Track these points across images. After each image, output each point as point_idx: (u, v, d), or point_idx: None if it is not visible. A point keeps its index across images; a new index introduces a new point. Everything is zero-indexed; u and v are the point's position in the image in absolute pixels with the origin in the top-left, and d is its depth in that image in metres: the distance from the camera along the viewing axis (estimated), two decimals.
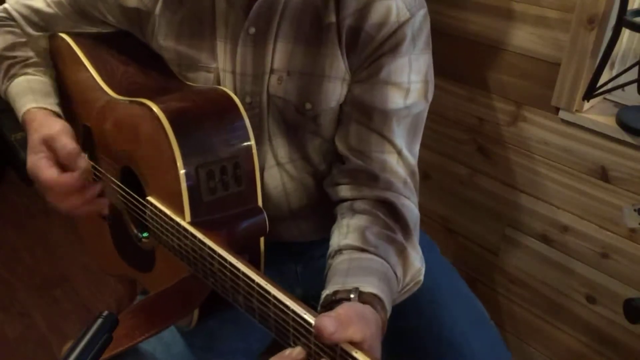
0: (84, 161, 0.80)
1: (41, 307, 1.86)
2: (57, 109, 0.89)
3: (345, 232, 0.77)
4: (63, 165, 0.80)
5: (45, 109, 0.87)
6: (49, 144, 0.80)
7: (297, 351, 0.55)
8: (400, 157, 0.81)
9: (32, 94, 0.89)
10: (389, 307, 0.67)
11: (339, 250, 0.75)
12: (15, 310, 1.84)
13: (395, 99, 0.79)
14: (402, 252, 0.76)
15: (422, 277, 0.78)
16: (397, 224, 0.78)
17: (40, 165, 0.80)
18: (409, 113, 0.81)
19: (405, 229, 0.78)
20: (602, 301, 1.33)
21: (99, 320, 0.64)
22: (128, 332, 0.73)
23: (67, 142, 0.80)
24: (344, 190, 0.83)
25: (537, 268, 1.43)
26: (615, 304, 1.30)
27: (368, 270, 0.69)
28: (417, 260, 0.77)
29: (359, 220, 0.78)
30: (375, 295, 0.65)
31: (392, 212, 0.78)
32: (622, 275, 1.27)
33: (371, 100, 0.80)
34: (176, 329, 0.87)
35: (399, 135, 0.81)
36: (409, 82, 0.80)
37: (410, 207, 0.81)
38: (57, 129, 0.81)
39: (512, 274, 1.49)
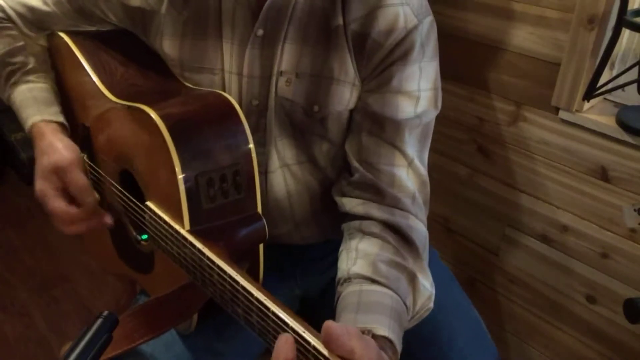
0: (91, 198, 0.82)
1: (41, 307, 1.86)
2: (61, 118, 0.91)
3: (354, 257, 0.76)
4: (71, 197, 0.83)
5: (50, 121, 0.88)
6: (59, 173, 0.82)
7: (285, 339, 0.53)
8: (410, 168, 0.81)
9: (35, 104, 0.90)
10: (399, 347, 0.67)
11: (348, 279, 0.74)
12: (15, 310, 1.84)
13: (406, 108, 0.79)
14: (412, 280, 0.75)
15: (432, 304, 0.78)
16: (406, 249, 0.77)
17: (49, 195, 0.82)
18: (420, 122, 0.81)
19: (415, 254, 0.77)
20: (602, 301, 1.33)
21: (99, 320, 0.64)
22: (127, 335, 0.73)
23: (77, 177, 0.82)
24: (352, 204, 0.82)
25: (537, 268, 1.43)
26: (615, 304, 1.30)
27: (379, 307, 0.69)
28: (427, 288, 0.77)
29: (368, 246, 0.77)
30: (387, 339, 0.65)
31: (401, 236, 0.78)
32: (622, 275, 1.27)
33: (382, 110, 0.79)
34: (176, 330, 0.87)
35: (411, 144, 0.80)
36: (419, 90, 0.79)
37: (419, 228, 0.80)
38: (69, 159, 0.83)
39: (512, 274, 1.49)
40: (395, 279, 0.73)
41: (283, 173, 0.86)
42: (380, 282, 0.72)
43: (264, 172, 0.85)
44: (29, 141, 0.90)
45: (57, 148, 0.84)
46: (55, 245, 2.09)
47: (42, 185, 0.83)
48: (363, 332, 0.61)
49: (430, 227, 0.85)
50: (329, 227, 0.91)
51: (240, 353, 0.91)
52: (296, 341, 0.54)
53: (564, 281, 1.38)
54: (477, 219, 1.53)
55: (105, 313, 0.65)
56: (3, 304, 1.86)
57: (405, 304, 0.72)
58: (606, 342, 1.35)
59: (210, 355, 0.87)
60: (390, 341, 0.65)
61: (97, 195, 0.83)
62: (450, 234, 1.61)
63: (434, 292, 0.78)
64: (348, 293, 0.72)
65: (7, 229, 2.18)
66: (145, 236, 0.85)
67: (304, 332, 0.53)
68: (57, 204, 0.81)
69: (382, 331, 0.65)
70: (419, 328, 0.87)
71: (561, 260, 1.37)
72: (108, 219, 0.85)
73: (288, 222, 0.91)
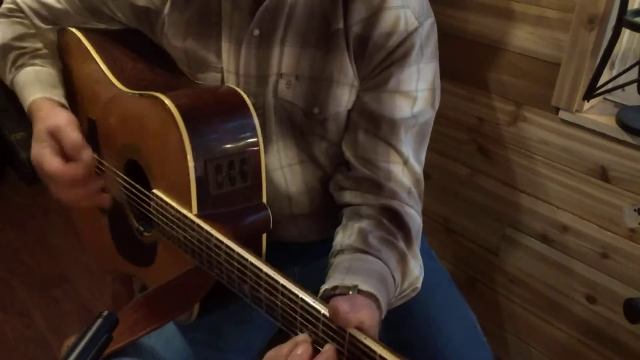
0: (88, 153, 0.80)
1: (41, 307, 1.86)
2: (63, 100, 0.90)
3: (349, 233, 0.78)
4: (68, 157, 0.81)
5: (51, 99, 0.88)
6: (54, 134, 0.81)
7: (303, 337, 0.56)
8: (405, 166, 0.82)
9: (39, 84, 0.90)
10: (384, 308, 0.68)
11: (341, 250, 0.76)
12: (15, 310, 1.84)
13: (403, 108, 0.80)
14: (402, 259, 0.76)
15: (419, 285, 0.79)
16: (399, 231, 0.78)
17: (45, 155, 0.80)
18: (416, 122, 0.82)
19: (408, 237, 0.79)
20: (602, 301, 1.33)
21: (99, 320, 0.64)
22: (130, 327, 0.73)
23: (72, 133, 0.80)
24: (349, 196, 0.83)
25: (537, 268, 1.43)
26: (615, 304, 1.30)
27: (368, 271, 0.70)
28: (416, 268, 0.78)
29: (363, 224, 0.79)
30: (372, 294, 0.66)
31: (395, 219, 0.79)
32: (622, 275, 1.27)
33: (379, 109, 0.80)
34: (176, 325, 0.87)
35: (407, 144, 0.81)
36: (417, 91, 0.80)
37: (414, 216, 0.81)
38: (63, 119, 0.82)
39: (512, 274, 1.49)
40: (385, 253, 0.75)
41: (283, 173, 0.87)
42: (371, 253, 0.74)
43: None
44: (29, 141, 0.90)
45: (52, 114, 0.83)
46: (55, 245, 2.10)
47: (37, 149, 0.81)
48: (349, 288, 0.65)
49: (430, 227, 0.85)
50: (328, 224, 0.92)
51: (241, 349, 0.91)
52: (305, 310, 0.56)
53: (564, 281, 1.38)
54: (477, 219, 1.53)
55: (105, 313, 0.65)
56: (3, 304, 1.86)
57: (393, 276, 0.73)
58: (606, 342, 1.35)
59: (211, 350, 0.88)
60: (375, 297, 0.66)
61: (92, 153, 0.81)
62: (450, 234, 1.61)
63: (422, 274, 0.80)
64: (339, 261, 0.74)
65: (7, 229, 2.18)
66: (148, 227, 0.85)
67: (314, 301, 0.55)
68: (54, 163, 0.79)
69: (366, 287, 0.66)
70: (416, 327, 0.87)
71: (561, 260, 1.37)
72: (105, 196, 0.84)
73: (288, 220, 0.91)
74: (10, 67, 0.94)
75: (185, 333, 0.87)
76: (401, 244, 0.77)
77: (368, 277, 0.68)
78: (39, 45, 0.95)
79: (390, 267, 0.73)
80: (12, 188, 2.40)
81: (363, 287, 0.66)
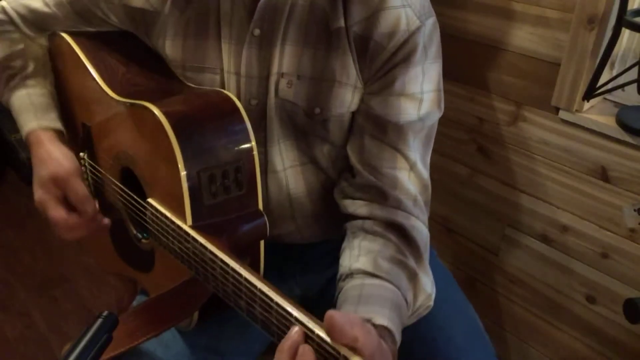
0: (92, 205, 0.83)
1: (41, 307, 1.86)
2: (58, 125, 0.92)
3: (357, 254, 0.77)
4: (72, 205, 0.84)
5: (47, 128, 0.89)
6: (58, 183, 0.83)
7: (295, 330, 0.55)
8: (412, 172, 0.81)
9: (33, 110, 0.91)
10: (398, 338, 0.67)
11: (350, 274, 0.75)
12: (15, 310, 1.84)
13: (409, 111, 0.79)
14: (413, 278, 0.76)
15: (432, 302, 0.79)
16: (408, 248, 0.78)
17: (50, 204, 0.83)
18: (423, 125, 0.81)
19: (417, 253, 0.78)
20: (602, 301, 1.33)
21: (99, 320, 0.64)
22: (129, 333, 0.73)
23: (78, 186, 0.83)
24: (354, 206, 0.82)
25: (537, 268, 1.43)
26: (615, 304, 1.30)
27: (380, 299, 0.70)
28: (427, 286, 0.77)
29: (370, 243, 0.77)
30: (385, 328, 0.65)
31: (403, 235, 0.78)
32: (622, 275, 1.27)
33: (385, 113, 0.79)
34: (177, 330, 0.87)
35: (414, 148, 0.81)
36: (422, 92, 0.79)
37: (420, 229, 0.81)
38: (67, 169, 0.84)
39: (512, 274, 1.49)
40: (396, 275, 0.73)
41: (285, 174, 0.86)
42: (381, 276, 0.72)
43: (264, 172, 0.85)
44: None
45: (55, 157, 0.85)
46: (55, 245, 2.09)
47: (42, 195, 0.84)
48: None
49: (430, 227, 0.85)
50: (329, 226, 0.92)
51: (241, 352, 0.91)
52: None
53: (564, 281, 1.38)
54: (477, 219, 1.53)
55: (105, 313, 0.65)
56: (3, 304, 1.86)
57: (405, 299, 0.73)
58: (606, 342, 1.35)
59: (211, 354, 0.87)
60: (389, 330, 0.65)
61: (96, 204, 0.85)
62: (450, 234, 1.61)
63: (434, 290, 0.79)
64: (350, 287, 0.73)
65: (7, 229, 2.18)
66: (146, 234, 0.85)
67: (308, 321, 0.55)
68: (58, 212, 0.83)
69: (381, 320, 0.65)
70: (417, 326, 0.87)
71: (561, 260, 1.37)
72: (106, 221, 0.87)
73: (289, 222, 0.91)
74: (4, 88, 0.94)
75: (186, 338, 0.86)
76: (411, 262, 0.76)
77: (381, 308, 0.67)
78: (29, 62, 0.94)
79: (402, 288, 0.72)
80: (12, 188, 2.40)
81: (377, 320, 0.65)
